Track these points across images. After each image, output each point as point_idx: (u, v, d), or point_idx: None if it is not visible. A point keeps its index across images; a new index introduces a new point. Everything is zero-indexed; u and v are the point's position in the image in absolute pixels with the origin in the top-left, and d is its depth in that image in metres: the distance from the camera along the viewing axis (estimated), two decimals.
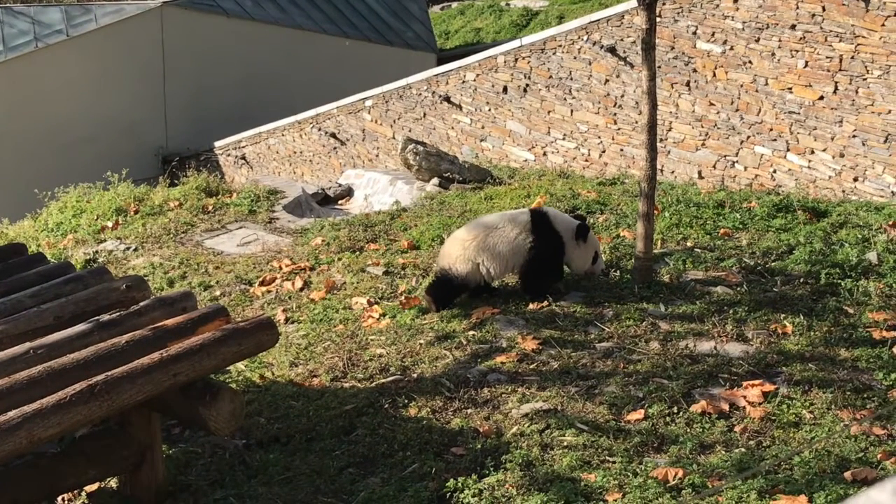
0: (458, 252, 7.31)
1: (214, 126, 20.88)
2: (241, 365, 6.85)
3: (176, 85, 21.65)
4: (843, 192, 10.54)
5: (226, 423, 5.08)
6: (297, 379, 6.74)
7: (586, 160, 13.30)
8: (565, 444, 5.46)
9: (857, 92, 10.44)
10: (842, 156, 10.61)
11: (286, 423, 6.14)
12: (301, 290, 8.48)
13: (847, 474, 4.93)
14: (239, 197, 11.92)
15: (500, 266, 7.30)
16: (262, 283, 8.74)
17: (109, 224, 11.36)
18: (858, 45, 10.35)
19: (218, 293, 8.71)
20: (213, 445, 6.02)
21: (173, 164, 18.95)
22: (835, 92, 10.64)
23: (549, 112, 13.73)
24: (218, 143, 20.16)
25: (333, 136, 17.40)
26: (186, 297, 5.80)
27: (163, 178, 14.12)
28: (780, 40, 11.05)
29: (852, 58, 10.42)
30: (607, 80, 12.92)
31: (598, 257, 7.51)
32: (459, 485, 5.17)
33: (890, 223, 8.40)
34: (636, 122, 12.36)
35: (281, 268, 9.01)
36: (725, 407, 5.73)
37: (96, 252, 10.40)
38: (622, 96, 12.79)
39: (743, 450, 5.30)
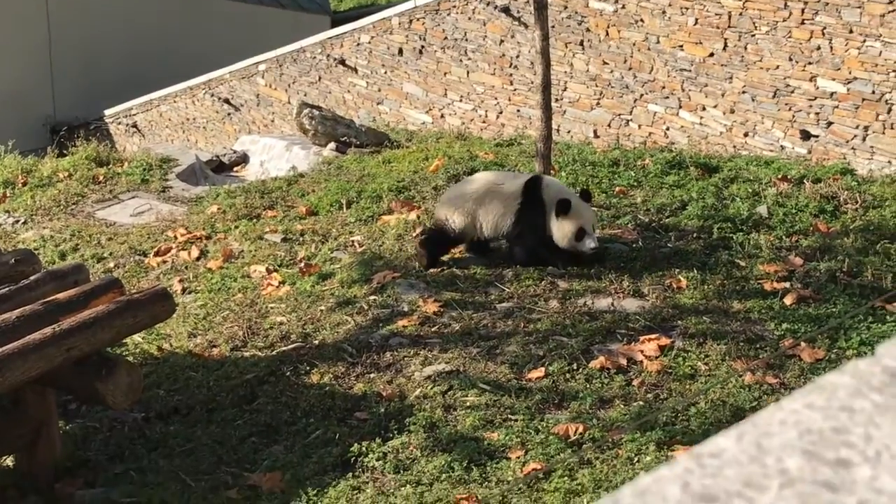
0: (457, 204, 7.19)
1: (104, 94, 20.32)
2: (137, 337, 6.73)
3: (63, 52, 21.01)
4: (734, 147, 10.74)
5: (123, 396, 5.01)
6: (196, 350, 6.66)
7: (483, 122, 13.32)
8: (468, 404, 5.50)
9: (745, 48, 10.62)
10: (732, 112, 10.81)
11: (186, 394, 6.07)
12: (198, 259, 8.35)
13: None
14: (131, 166, 11.65)
15: (491, 224, 7.14)
16: (157, 254, 8.59)
17: None
18: (746, 1, 10.52)
19: (111, 265, 8.54)
20: (112, 419, 5.93)
21: (62, 133, 18.41)
22: (724, 49, 10.81)
23: (445, 74, 13.70)
24: (108, 112, 19.67)
25: (227, 101, 17.12)
26: (78, 269, 5.70)
27: (51, 149, 13.69)
28: None
29: (740, 14, 10.59)
30: (502, 41, 12.93)
31: (586, 235, 6.85)
32: (364, 449, 5.18)
33: (779, 177, 8.60)
34: (532, 83, 12.41)
35: (176, 237, 8.86)
36: (623, 362, 5.83)
37: None
38: (517, 57, 12.82)
39: (641, 403, 5.41)
